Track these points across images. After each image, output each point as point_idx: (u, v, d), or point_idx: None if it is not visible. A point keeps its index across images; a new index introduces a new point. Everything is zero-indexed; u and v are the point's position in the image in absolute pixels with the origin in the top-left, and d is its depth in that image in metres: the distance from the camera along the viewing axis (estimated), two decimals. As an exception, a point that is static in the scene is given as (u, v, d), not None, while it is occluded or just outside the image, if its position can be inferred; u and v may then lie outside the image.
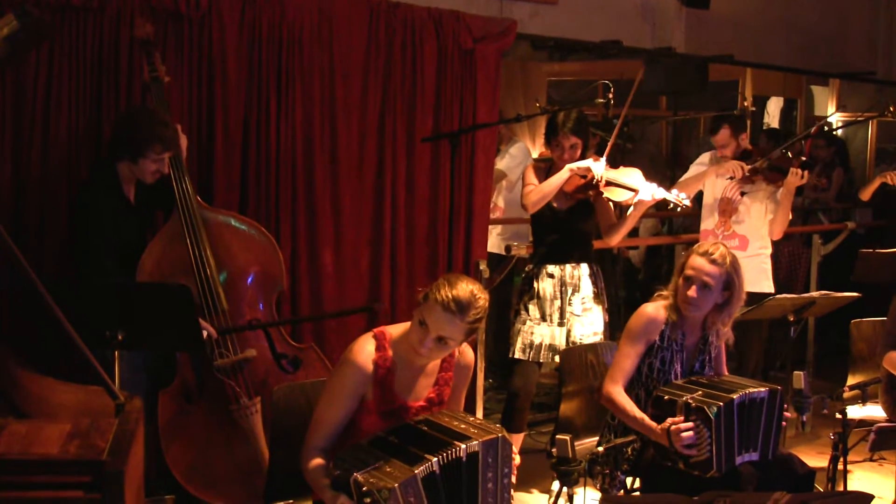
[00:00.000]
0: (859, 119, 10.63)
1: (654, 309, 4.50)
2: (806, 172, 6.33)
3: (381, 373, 3.63)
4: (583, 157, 5.65)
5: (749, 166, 6.36)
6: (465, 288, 3.55)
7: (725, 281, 4.41)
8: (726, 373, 4.77)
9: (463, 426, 3.51)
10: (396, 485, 3.14)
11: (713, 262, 4.39)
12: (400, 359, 3.67)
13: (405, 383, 3.70)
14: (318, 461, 3.54)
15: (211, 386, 4.72)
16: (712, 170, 6.49)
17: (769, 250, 6.58)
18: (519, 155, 7.61)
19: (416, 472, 3.18)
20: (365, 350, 3.65)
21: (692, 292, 4.39)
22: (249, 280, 4.82)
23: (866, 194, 7.70)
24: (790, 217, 6.49)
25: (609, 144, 5.65)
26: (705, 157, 6.75)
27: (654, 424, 4.21)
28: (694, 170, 6.74)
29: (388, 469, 3.23)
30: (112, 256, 4.64)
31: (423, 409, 3.71)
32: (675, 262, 7.46)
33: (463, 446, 3.34)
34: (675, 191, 5.63)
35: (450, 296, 3.51)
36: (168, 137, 4.65)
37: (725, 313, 4.48)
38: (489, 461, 3.43)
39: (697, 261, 4.41)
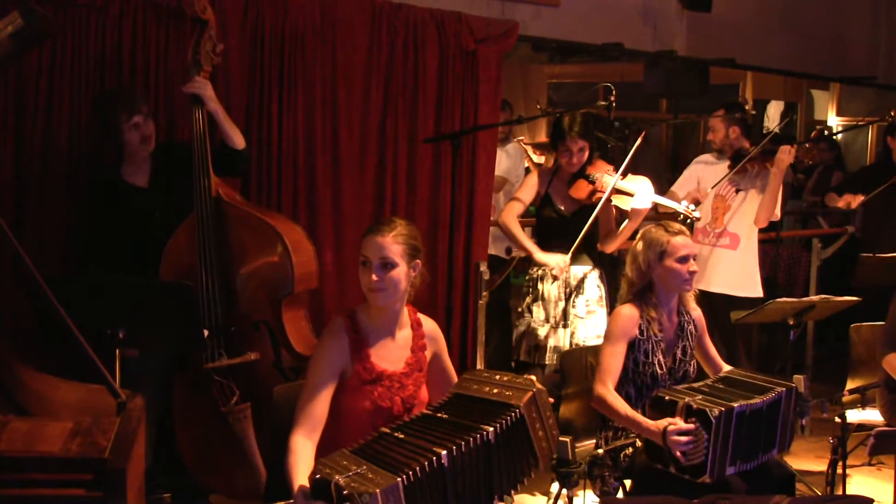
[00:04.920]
0: (860, 124, 10.65)
1: (629, 308, 4.56)
2: (794, 147, 6.32)
3: (354, 339, 3.72)
4: (590, 160, 5.66)
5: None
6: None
7: None
8: (717, 357, 4.84)
9: (496, 390, 3.58)
10: (378, 490, 3.08)
11: (685, 233, 4.58)
12: (372, 329, 3.77)
13: (381, 353, 3.77)
14: (302, 447, 3.53)
15: (209, 382, 4.72)
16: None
17: (756, 249, 6.57)
18: (516, 154, 7.61)
19: (398, 480, 3.13)
20: (336, 322, 3.77)
21: (695, 267, 4.57)
22: (257, 282, 4.76)
23: (831, 202, 7.75)
24: (777, 203, 6.43)
25: (626, 160, 5.62)
26: (704, 157, 6.77)
27: (649, 423, 4.19)
28: (687, 174, 6.74)
29: (371, 476, 3.19)
30: (96, 245, 4.77)
31: (406, 376, 3.78)
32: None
33: (490, 429, 3.38)
34: (684, 202, 5.63)
35: (380, 221, 3.78)
36: (127, 99, 4.75)
37: None
38: (534, 415, 3.51)
39: (681, 239, 4.54)
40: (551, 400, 3.66)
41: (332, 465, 3.25)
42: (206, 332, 4.55)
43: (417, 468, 3.19)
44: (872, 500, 3.51)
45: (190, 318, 4.28)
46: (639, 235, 4.64)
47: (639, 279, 4.57)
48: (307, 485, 3.29)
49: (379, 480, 3.12)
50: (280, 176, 5.50)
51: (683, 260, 4.51)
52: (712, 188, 6.45)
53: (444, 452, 3.25)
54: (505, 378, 3.69)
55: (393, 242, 3.69)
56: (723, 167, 6.50)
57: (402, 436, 3.41)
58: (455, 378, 4.00)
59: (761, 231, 6.63)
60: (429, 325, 3.97)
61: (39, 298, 2.94)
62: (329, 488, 3.14)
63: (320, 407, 3.62)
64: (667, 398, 4.22)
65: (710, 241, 6.48)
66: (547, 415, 3.57)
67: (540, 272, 5.68)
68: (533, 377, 3.64)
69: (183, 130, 5.15)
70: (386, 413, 3.71)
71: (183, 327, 4.36)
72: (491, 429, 3.37)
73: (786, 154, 6.23)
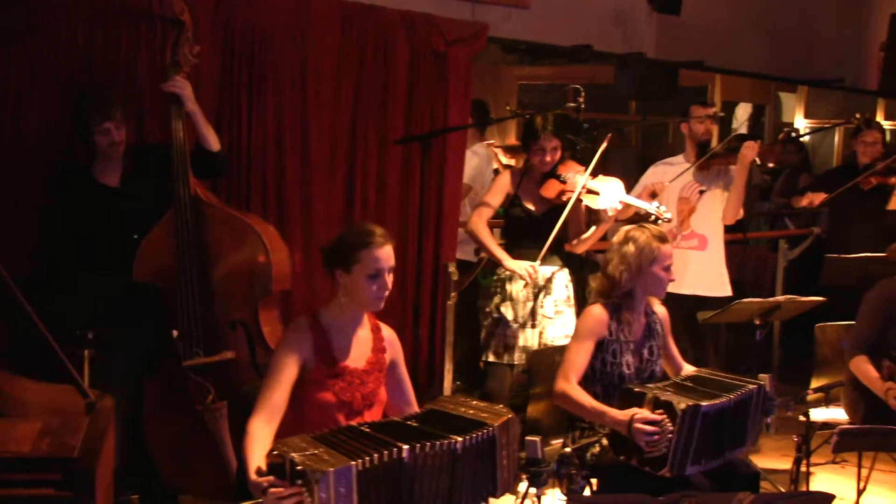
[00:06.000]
0: (826, 126, 10.75)
1: (599, 309, 4.59)
2: (758, 143, 6.37)
3: (318, 335, 3.81)
4: (561, 160, 5.69)
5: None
6: (365, 223, 4.03)
7: None
8: (678, 356, 4.88)
9: (472, 412, 3.63)
10: (331, 469, 3.12)
11: (668, 240, 4.62)
12: (336, 328, 3.87)
13: (343, 348, 3.87)
14: (259, 431, 3.60)
15: (185, 382, 4.72)
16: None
17: (722, 248, 6.63)
18: (484, 155, 7.63)
19: (352, 463, 3.16)
20: (300, 320, 3.89)
21: (674, 275, 4.66)
22: (235, 281, 4.78)
23: (797, 203, 7.81)
24: (742, 199, 6.45)
25: (594, 159, 5.65)
26: (664, 160, 6.79)
27: (615, 412, 4.23)
28: (644, 179, 6.72)
29: (327, 458, 3.22)
30: (67, 244, 4.74)
31: (367, 374, 3.88)
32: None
33: (459, 439, 3.41)
34: (655, 203, 5.66)
35: (377, 232, 3.86)
36: (102, 103, 4.72)
37: None
38: (504, 441, 3.55)
39: (668, 247, 4.58)
40: (517, 430, 3.69)
41: (290, 445, 3.29)
42: (175, 333, 4.57)
43: (375, 455, 3.22)
44: (833, 496, 3.55)
45: (159, 319, 4.28)
46: (623, 236, 4.61)
47: (627, 282, 4.55)
48: (262, 466, 3.32)
49: (334, 462, 3.16)
50: (249, 176, 5.51)
51: (668, 268, 4.57)
52: (673, 180, 6.46)
53: (405, 447, 3.28)
54: (482, 404, 3.75)
55: (392, 249, 3.86)
56: (683, 168, 6.53)
57: (367, 430, 3.45)
58: (411, 390, 4.13)
59: (729, 232, 6.68)
60: (388, 331, 4.08)
61: (9, 299, 2.95)
62: (284, 466, 3.19)
63: (280, 394, 3.70)
64: (636, 390, 4.27)
65: (678, 243, 6.49)
66: (514, 447, 3.61)
67: (508, 272, 5.71)
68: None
69: (153, 131, 5.14)
70: (347, 407, 3.79)
71: (152, 328, 4.37)
72: (460, 439, 3.40)
73: (749, 150, 6.27)
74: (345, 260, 3.81)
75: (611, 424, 4.26)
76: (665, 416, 4.08)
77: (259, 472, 3.31)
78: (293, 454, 3.18)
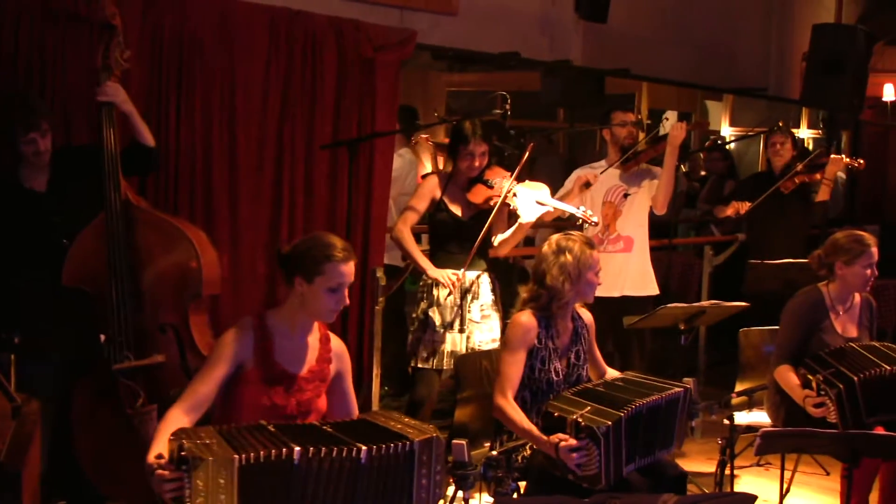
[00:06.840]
0: (750, 134, 10.90)
1: (528, 317, 4.60)
2: (685, 123, 6.44)
3: (260, 336, 3.79)
4: (489, 166, 5.71)
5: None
6: (327, 235, 3.92)
7: None
8: (602, 360, 4.94)
9: (399, 426, 3.56)
10: (211, 458, 3.13)
11: (594, 243, 4.68)
12: (281, 332, 3.86)
13: (286, 353, 3.85)
14: (174, 419, 3.58)
15: (115, 385, 4.67)
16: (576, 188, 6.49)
17: (648, 247, 6.69)
18: (409, 160, 7.62)
19: (234, 456, 3.15)
20: (245, 319, 3.86)
21: (601, 279, 4.68)
22: (166, 284, 4.76)
23: (721, 213, 7.91)
24: (673, 183, 6.52)
25: (519, 165, 5.67)
26: (588, 165, 6.83)
27: (542, 437, 4.25)
28: (569, 184, 6.74)
29: (216, 448, 3.21)
30: None
31: (306, 381, 3.86)
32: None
33: (364, 448, 3.34)
34: (582, 207, 5.69)
35: (342, 246, 3.83)
36: (28, 113, 4.67)
37: None
38: (424, 459, 3.47)
39: (596, 252, 4.64)
40: (444, 435, 3.63)
41: (188, 433, 3.31)
42: (102, 338, 4.54)
43: (262, 452, 3.21)
44: (756, 497, 3.60)
45: (86, 323, 4.24)
46: (555, 247, 4.61)
47: (569, 291, 4.58)
48: (164, 452, 3.33)
49: (218, 452, 3.16)
50: (177, 180, 5.49)
51: (598, 273, 4.63)
52: (601, 172, 6.50)
53: (297, 448, 3.25)
54: (413, 421, 3.69)
55: (354, 264, 3.87)
56: (608, 169, 6.59)
57: (272, 429, 3.41)
58: (354, 404, 4.11)
59: (655, 238, 6.74)
60: (336, 342, 4.06)
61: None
62: (175, 452, 3.22)
63: (207, 388, 3.69)
64: (555, 414, 4.25)
65: (605, 248, 6.53)
66: (437, 468, 3.52)
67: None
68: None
69: (80, 133, 5.10)
70: (280, 411, 3.76)
71: (80, 332, 4.31)
72: (364, 448, 3.34)
73: (678, 130, 6.34)
74: (308, 270, 3.79)
75: (540, 447, 4.30)
76: (588, 439, 4.11)
77: (158, 458, 3.31)
78: (184, 440, 3.20)
